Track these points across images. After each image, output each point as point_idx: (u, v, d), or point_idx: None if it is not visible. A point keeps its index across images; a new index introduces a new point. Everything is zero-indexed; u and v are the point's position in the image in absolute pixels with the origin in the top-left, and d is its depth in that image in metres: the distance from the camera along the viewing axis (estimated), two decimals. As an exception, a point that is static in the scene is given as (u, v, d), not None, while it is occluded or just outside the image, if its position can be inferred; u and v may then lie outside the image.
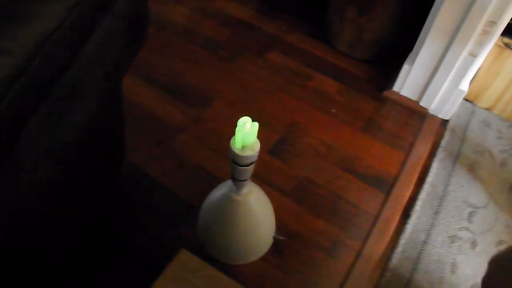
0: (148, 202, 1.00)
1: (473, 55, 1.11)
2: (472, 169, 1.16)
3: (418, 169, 1.15)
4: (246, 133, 0.65)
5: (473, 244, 1.01)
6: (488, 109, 1.32)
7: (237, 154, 0.67)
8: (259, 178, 1.05)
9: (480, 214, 1.07)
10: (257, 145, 0.67)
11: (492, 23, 1.03)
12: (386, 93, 1.32)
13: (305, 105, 1.26)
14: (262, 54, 1.40)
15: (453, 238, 1.02)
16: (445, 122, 1.28)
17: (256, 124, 0.65)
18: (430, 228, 1.03)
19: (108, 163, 0.82)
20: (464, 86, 1.20)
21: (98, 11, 0.51)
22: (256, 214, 0.84)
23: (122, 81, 0.69)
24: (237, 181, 0.76)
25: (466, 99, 1.33)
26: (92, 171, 0.70)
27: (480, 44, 1.08)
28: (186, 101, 1.23)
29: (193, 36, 1.44)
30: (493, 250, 1.01)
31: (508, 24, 1.06)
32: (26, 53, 0.42)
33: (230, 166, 0.72)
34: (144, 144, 1.11)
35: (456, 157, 1.19)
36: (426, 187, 1.10)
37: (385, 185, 1.10)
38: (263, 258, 0.93)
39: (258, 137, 0.67)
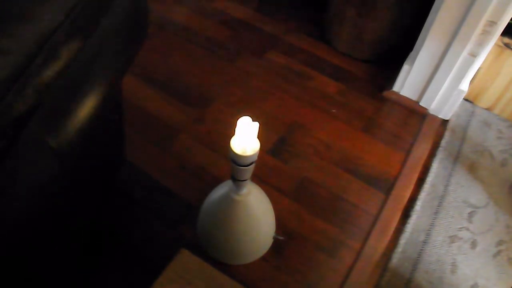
0: (148, 202, 1.00)
1: (473, 55, 1.11)
2: (472, 169, 1.16)
3: (418, 169, 1.15)
4: (246, 133, 0.65)
5: (473, 244, 1.01)
6: (488, 109, 1.32)
7: (237, 154, 0.67)
8: (259, 178, 1.05)
9: (480, 214, 1.07)
10: (257, 145, 0.67)
11: (492, 23, 1.03)
12: (386, 93, 1.32)
13: (305, 105, 1.26)
14: (262, 54, 1.40)
15: (453, 238, 1.02)
16: (445, 122, 1.28)
17: (256, 124, 0.65)
18: (430, 228, 1.03)
19: (108, 163, 0.82)
20: (464, 86, 1.20)
21: (98, 11, 0.51)
22: (256, 214, 0.84)
23: (122, 81, 0.69)
24: (237, 181, 0.76)
25: (466, 99, 1.33)
26: (92, 171, 0.70)
27: (480, 44, 1.08)
28: (186, 101, 1.23)
29: (193, 36, 1.44)
30: (493, 250, 1.01)
31: (508, 24, 1.06)
32: (26, 53, 0.42)
33: (230, 166, 0.72)
34: (144, 144, 1.11)
35: (456, 157, 1.19)
36: (426, 187, 1.10)
37: (385, 185, 1.10)
38: (263, 258, 0.93)
39: (258, 137, 0.67)
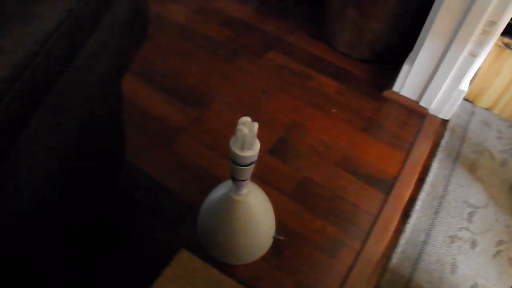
0: (148, 202, 1.00)
1: (473, 55, 1.11)
2: (472, 169, 1.16)
3: (418, 169, 1.15)
4: (246, 133, 0.65)
5: (473, 244, 1.01)
6: (488, 109, 1.32)
7: (237, 154, 0.67)
8: (259, 178, 1.05)
9: (480, 214, 1.07)
10: (257, 145, 0.67)
11: (492, 23, 1.03)
12: (386, 93, 1.32)
13: (305, 105, 1.26)
14: (262, 54, 1.40)
15: (453, 238, 1.02)
16: (445, 122, 1.28)
17: (256, 124, 0.65)
18: (430, 228, 1.03)
19: (108, 163, 0.82)
20: (464, 86, 1.20)
21: (98, 11, 0.51)
22: (256, 214, 0.84)
23: (122, 81, 0.69)
24: (237, 181, 0.76)
25: (466, 99, 1.33)
26: (92, 171, 0.70)
27: (480, 44, 1.08)
28: (186, 101, 1.23)
29: (193, 36, 1.44)
30: (493, 250, 1.01)
31: (508, 24, 1.06)
32: (26, 53, 0.42)
33: (230, 166, 0.72)
34: (144, 144, 1.11)
35: (456, 157, 1.19)
36: (426, 187, 1.10)
37: (385, 185, 1.10)
38: (263, 258, 0.93)
39: (258, 137, 0.67)
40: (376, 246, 0.98)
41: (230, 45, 1.42)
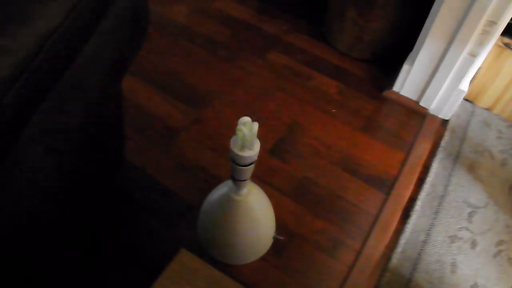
0: (148, 202, 1.00)
1: (473, 55, 1.11)
2: (472, 169, 1.16)
3: (418, 169, 1.15)
4: (246, 133, 0.65)
5: (473, 244, 1.01)
6: (488, 109, 1.32)
7: (237, 154, 0.67)
8: (259, 178, 1.05)
9: (480, 214, 1.07)
10: (257, 145, 0.67)
11: (492, 23, 1.03)
12: (386, 93, 1.32)
13: (305, 105, 1.26)
14: (262, 54, 1.40)
15: (453, 238, 1.02)
16: (445, 122, 1.28)
17: (256, 124, 0.65)
18: (430, 228, 1.03)
19: (108, 163, 0.82)
20: (464, 86, 1.20)
21: (98, 11, 0.51)
22: (256, 214, 0.84)
23: (122, 81, 0.69)
24: (237, 181, 0.76)
25: (466, 99, 1.33)
26: (92, 171, 0.70)
27: (480, 44, 1.08)
28: (186, 101, 1.23)
29: (193, 36, 1.44)
30: (493, 250, 1.01)
31: (508, 24, 1.06)
32: (26, 53, 0.42)
33: (230, 166, 0.72)
34: (144, 144, 1.11)
35: (456, 157, 1.19)
36: (426, 187, 1.10)
37: (385, 185, 1.10)
38: (263, 258, 0.93)
39: (258, 137, 0.67)
40: (376, 246, 0.98)
41: (230, 45, 1.42)
